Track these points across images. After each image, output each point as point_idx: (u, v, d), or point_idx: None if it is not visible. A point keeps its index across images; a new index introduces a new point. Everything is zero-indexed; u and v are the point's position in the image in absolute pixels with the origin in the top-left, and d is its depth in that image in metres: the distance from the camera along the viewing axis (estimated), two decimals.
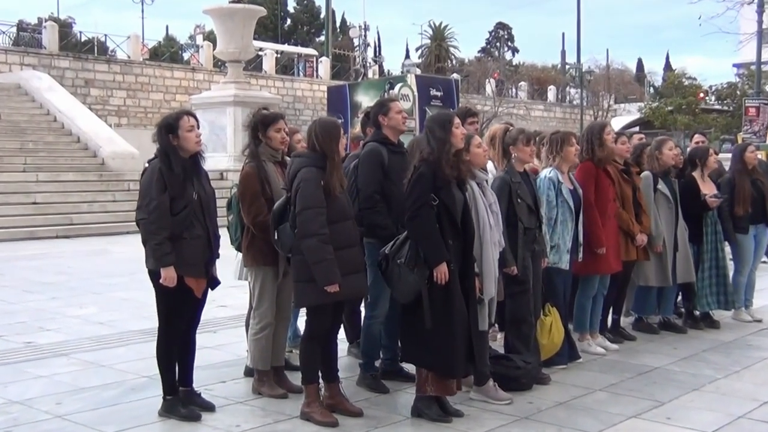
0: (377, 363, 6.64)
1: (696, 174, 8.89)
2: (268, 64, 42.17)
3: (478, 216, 5.92)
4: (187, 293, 5.61)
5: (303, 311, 6.12)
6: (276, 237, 5.71)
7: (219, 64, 37.94)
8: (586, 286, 7.66)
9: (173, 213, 5.49)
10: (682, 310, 9.15)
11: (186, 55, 47.26)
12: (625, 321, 8.70)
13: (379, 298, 6.37)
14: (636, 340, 8.22)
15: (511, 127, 7.29)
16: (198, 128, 5.69)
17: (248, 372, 6.57)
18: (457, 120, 5.78)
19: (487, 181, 6.33)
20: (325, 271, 5.44)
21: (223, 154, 25.26)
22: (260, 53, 40.88)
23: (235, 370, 6.88)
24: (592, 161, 7.59)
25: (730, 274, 9.10)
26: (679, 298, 9.23)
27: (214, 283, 5.83)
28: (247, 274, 6.38)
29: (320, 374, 5.82)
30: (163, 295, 5.61)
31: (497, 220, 6.17)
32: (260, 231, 6.00)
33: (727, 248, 9.36)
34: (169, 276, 5.47)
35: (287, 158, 6.17)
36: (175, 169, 5.51)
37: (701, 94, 50.52)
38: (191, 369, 5.93)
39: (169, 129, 5.58)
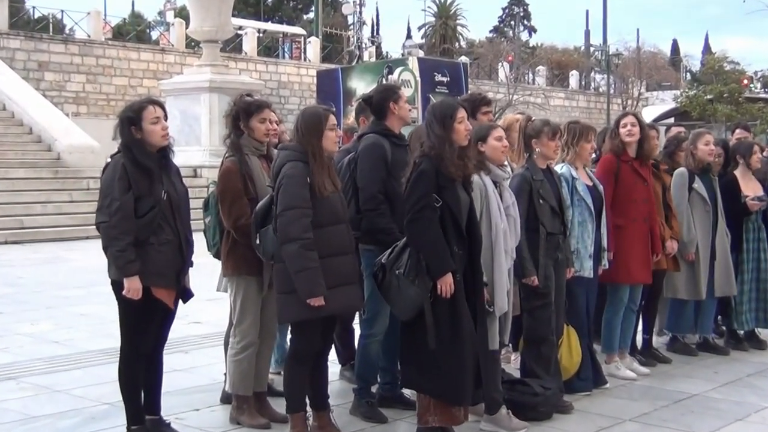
0: (374, 388, 6.63)
1: (738, 172, 8.90)
2: (249, 45, 42.18)
3: (491, 218, 5.91)
4: (155, 307, 5.59)
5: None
6: (257, 241, 5.71)
7: (192, 45, 37.91)
8: (614, 299, 7.66)
9: (138, 215, 5.47)
10: (724, 328, 9.15)
11: (154, 35, 47.34)
12: (659, 341, 8.71)
13: (378, 313, 6.36)
14: (671, 362, 8.22)
15: (532, 118, 7.27)
16: (165, 119, 5.68)
17: (226, 398, 6.55)
18: (460, 113, 5.72)
19: (506, 180, 6.31)
20: (307, 282, 5.43)
21: (197, 148, 25.26)
22: (240, 32, 40.88)
23: (210, 396, 6.86)
24: (613, 153, 7.64)
25: None
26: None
27: (186, 295, 5.82)
28: (227, 284, 6.37)
29: (308, 401, 5.81)
30: (127, 309, 5.58)
31: (515, 226, 6.17)
32: (242, 235, 5.98)
33: None
34: (133, 287, 5.44)
35: (274, 151, 6.15)
36: (139, 165, 5.50)
37: (745, 81, 50.60)
38: (159, 395, 5.91)
39: (131, 121, 5.57)
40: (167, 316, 5.77)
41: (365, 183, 6.26)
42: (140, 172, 5.50)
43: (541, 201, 6.61)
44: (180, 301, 5.83)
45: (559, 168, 7.15)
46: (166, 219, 5.56)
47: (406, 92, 6.89)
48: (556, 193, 6.78)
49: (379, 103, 6.50)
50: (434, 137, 5.62)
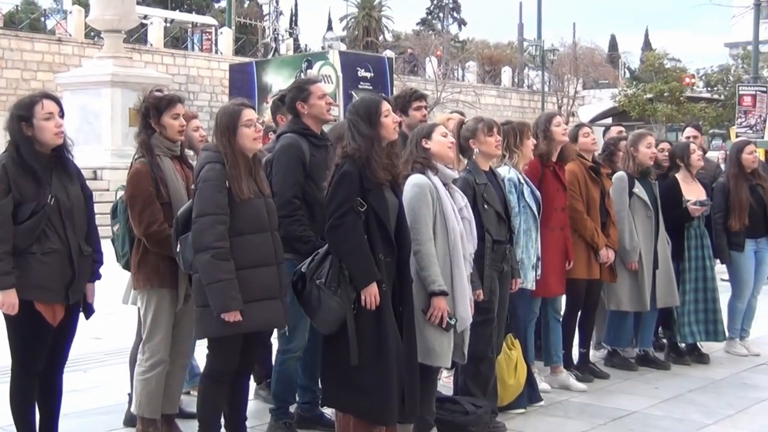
0: (292, 408, 6.63)
1: (679, 176, 9.02)
2: (155, 36, 41.82)
3: (446, 222, 5.94)
4: (44, 323, 5.46)
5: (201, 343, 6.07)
6: (178, 249, 5.65)
7: (92, 35, 37.47)
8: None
9: (18, 221, 5.33)
10: (664, 341, 9.31)
11: (50, 23, 46.58)
12: (596, 355, 8.84)
13: (296, 327, 6.35)
14: (609, 377, 8.34)
15: (465, 119, 7.31)
16: (60, 116, 5.55)
17: (130, 420, 6.49)
18: (385, 106, 5.75)
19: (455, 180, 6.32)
20: (219, 295, 5.39)
21: (97, 148, 24.93)
22: (145, 21, 40.54)
23: (112, 418, 6.80)
24: (538, 158, 7.70)
25: (720, 297, 9.22)
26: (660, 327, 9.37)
27: (87, 310, 5.74)
28: (135, 297, 6.29)
29: (223, 422, 5.78)
30: (12, 325, 5.46)
31: (470, 229, 6.18)
32: (154, 244, 5.93)
33: (723, 267, 9.55)
34: (7, 301, 5.29)
35: (190, 152, 6.11)
36: (25, 165, 5.38)
37: (688, 80, 51.54)
38: (56, 418, 5.82)
39: (22, 117, 5.45)
40: (66, 331, 5.67)
41: (279, 187, 6.25)
42: (23, 174, 5.37)
43: (485, 206, 6.60)
44: (78, 317, 5.74)
45: (506, 172, 7.18)
46: (52, 226, 5.42)
47: (326, 88, 6.88)
48: (501, 198, 6.80)
49: (290, 103, 6.56)
50: (360, 138, 5.61)
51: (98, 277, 5.76)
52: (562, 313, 8.04)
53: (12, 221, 5.32)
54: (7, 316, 5.44)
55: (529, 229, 7.17)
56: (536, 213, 7.20)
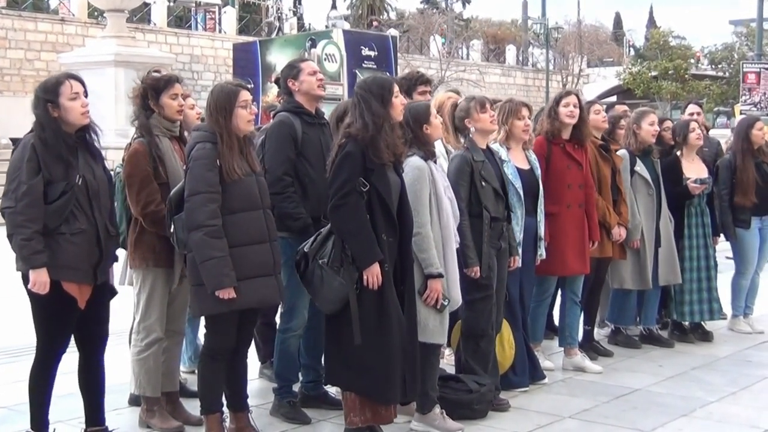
0: (296, 387, 6.64)
1: (680, 153, 9.01)
2: (159, 15, 41.70)
3: (439, 202, 5.96)
4: (70, 304, 5.44)
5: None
6: (171, 229, 5.67)
7: (95, 15, 37.39)
8: (540, 290, 7.77)
9: (48, 201, 5.33)
10: (668, 319, 9.31)
11: (53, 3, 46.50)
12: (600, 333, 8.84)
13: (295, 306, 6.37)
14: (613, 355, 8.35)
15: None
16: (85, 96, 5.56)
17: (134, 400, 6.51)
18: (396, 87, 5.80)
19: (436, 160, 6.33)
20: (213, 273, 5.42)
21: (101, 128, 24.89)
22: (148, 1, 40.41)
23: (117, 397, 6.77)
24: (544, 136, 7.69)
25: (724, 275, 9.21)
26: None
27: (109, 292, 5.73)
28: (131, 277, 6.29)
29: (225, 401, 5.80)
30: (39, 305, 5.44)
31: (453, 209, 6.20)
32: (151, 223, 5.95)
33: (726, 245, 9.54)
34: (39, 280, 5.28)
35: (192, 131, 6.11)
36: (52, 146, 5.37)
37: (697, 55, 51.43)
38: (101, 397, 5.82)
39: (48, 97, 5.44)
40: (97, 312, 5.64)
41: (270, 164, 6.28)
42: (52, 154, 5.37)
43: (483, 183, 6.60)
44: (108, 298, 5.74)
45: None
46: (80, 206, 5.43)
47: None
48: (498, 175, 6.79)
49: (283, 82, 6.59)
50: (371, 116, 5.63)
51: (116, 259, 5.78)
52: (580, 294, 8.00)
53: (43, 201, 5.32)
54: (33, 296, 5.41)
55: (513, 207, 7.11)
56: (520, 191, 7.11)
